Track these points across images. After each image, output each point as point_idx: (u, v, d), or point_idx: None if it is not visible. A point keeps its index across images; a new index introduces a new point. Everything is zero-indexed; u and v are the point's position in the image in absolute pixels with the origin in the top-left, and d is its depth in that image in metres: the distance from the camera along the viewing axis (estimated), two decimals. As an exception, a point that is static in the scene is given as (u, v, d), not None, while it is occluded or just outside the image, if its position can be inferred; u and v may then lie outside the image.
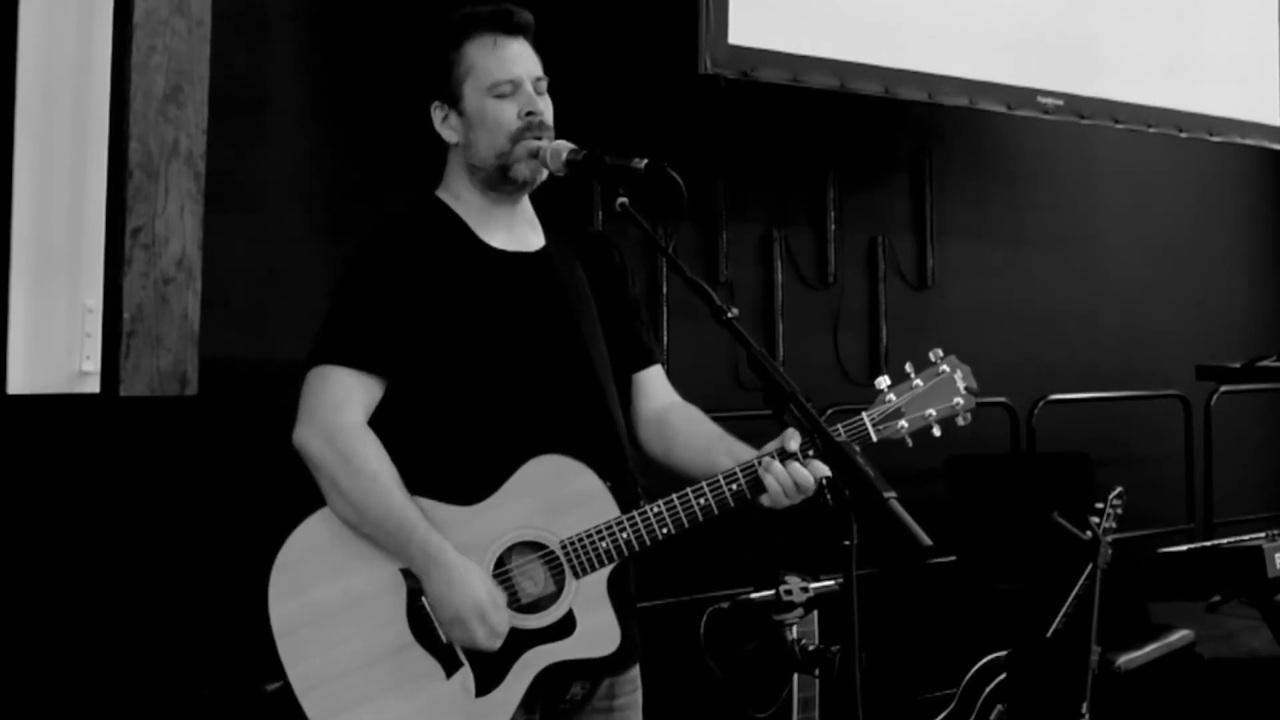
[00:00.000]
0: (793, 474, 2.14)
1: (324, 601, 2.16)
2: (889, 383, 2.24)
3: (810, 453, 2.15)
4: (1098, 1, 5.15)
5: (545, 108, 2.31)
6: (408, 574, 2.17)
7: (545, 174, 2.32)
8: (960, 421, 2.25)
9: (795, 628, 3.00)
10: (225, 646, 3.20)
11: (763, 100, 4.51)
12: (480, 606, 2.13)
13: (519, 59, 2.31)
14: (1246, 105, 5.59)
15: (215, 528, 3.36)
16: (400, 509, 2.16)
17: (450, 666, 2.16)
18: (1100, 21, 5.14)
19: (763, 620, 3.03)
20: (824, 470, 2.10)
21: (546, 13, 2.36)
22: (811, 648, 2.95)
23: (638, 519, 2.17)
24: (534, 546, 2.18)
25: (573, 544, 2.18)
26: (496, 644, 2.14)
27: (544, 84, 2.33)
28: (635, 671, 2.33)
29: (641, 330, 2.48)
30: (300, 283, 3.60)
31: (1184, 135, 5.39)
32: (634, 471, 2.31)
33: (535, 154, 2.28)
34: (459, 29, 2.33)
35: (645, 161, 2.19)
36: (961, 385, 2.25)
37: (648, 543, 2.18)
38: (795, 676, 3.25)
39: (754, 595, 3.13)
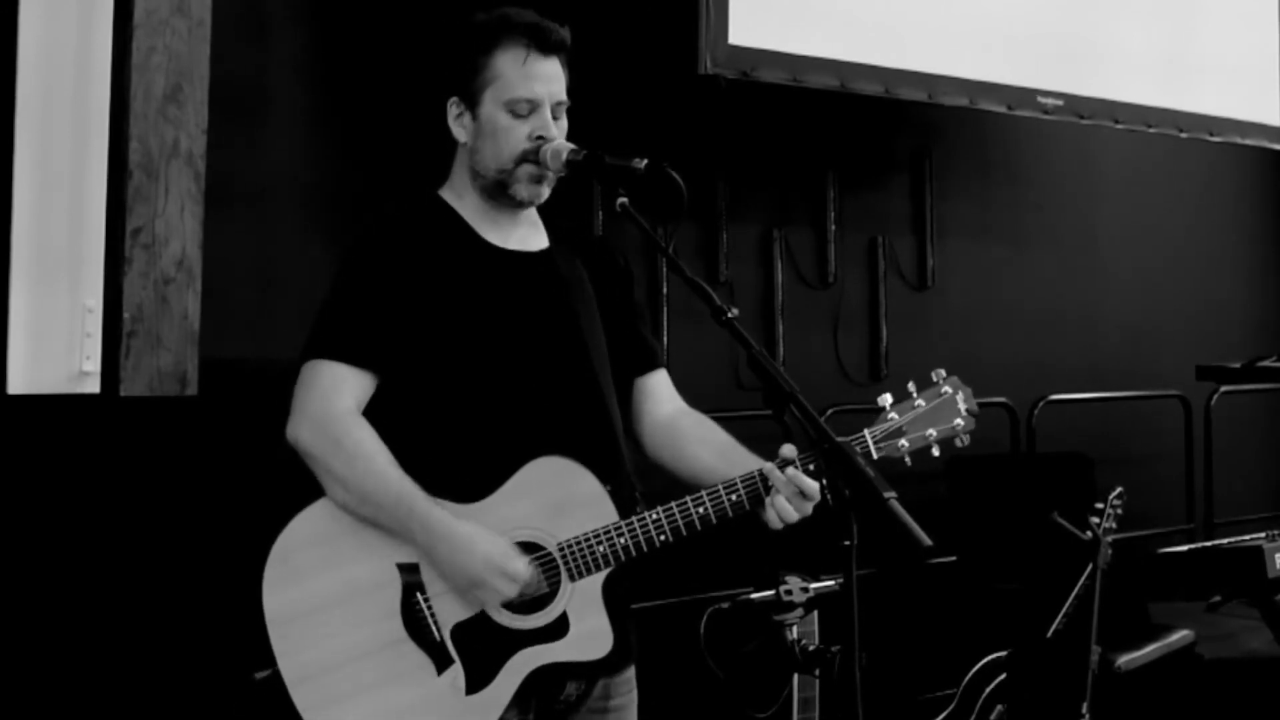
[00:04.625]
0: (795, 481, 2.15)
1: (318, 594, 2.16)
2: (891, 400, 2.23)
3: (811, 467, 2.15)
4: (1098, 1, 5.15)
5: (558, 133, 2.27)
6: (403, 569, 2.17)
7: (546, 196, 2.30)
8: (959, 443, 2.25)
9: (795, 628, 2.99)
10: (222, 643, 3.20)
11: (763, 100, 4.51)
12: (492, 560, 2.12)
13: (545, 79, 2.26)
14: (1246, 105, 5.59)
15: (215, 528, 3.36)
16: (397, 484, 2.15)
17: (441, 663, 2.16)
18: (1100, 22, 5.14)
19: (763, 620, 3.03)
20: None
21: (547, 13, 2.35)
22: (811, 648, 2.94)
23: (636, 525, 2.17)
24: (531, 547, 2.18)
25: (570, 547, 2.17)
26: (515, 590, 2.13)
27: (564, 108, 2.29)
28: (630, 673, 2.33)
29: (646, 334, 2.47)
30: (300, 283, 3.59)
31: (1184, 135, 5.39)
32: (631, 475, 2.31)
33: (539, 180, 2.26)
34: (493, 30, 2.27)
35: (645, 161, 2.18)
36: (962, 407, 2.23)
37: (645, 549, 2.17)
38: (795, 676, 3.25)
39: (754, 595, 3.13)
